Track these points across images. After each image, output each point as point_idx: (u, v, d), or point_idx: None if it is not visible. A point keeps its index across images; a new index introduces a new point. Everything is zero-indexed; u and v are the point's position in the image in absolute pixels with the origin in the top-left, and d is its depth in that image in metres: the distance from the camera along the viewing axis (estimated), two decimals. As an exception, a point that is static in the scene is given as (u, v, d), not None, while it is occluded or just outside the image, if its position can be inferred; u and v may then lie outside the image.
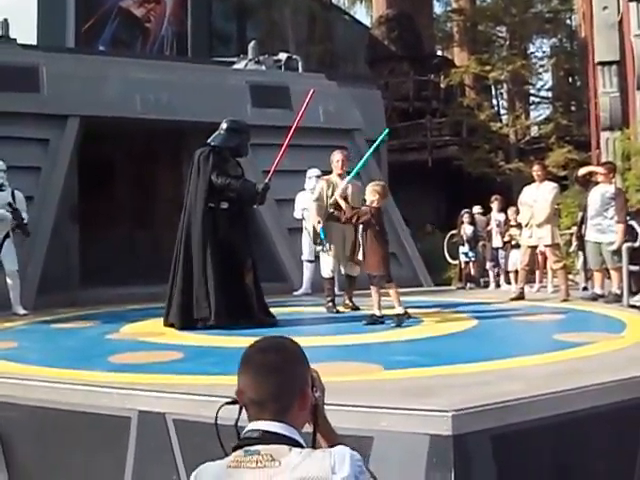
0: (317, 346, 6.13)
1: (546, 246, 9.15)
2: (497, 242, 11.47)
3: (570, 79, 26.24)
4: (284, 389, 1.89)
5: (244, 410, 1.93)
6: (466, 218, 11.88)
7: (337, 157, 8.57)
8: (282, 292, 10.72)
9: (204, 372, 4.59)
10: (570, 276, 10.55)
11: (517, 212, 10.23)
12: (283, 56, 15.18)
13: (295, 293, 11.01)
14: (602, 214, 8.83)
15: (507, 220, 11.25)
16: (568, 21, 26.04)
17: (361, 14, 31.94)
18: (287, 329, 6.92)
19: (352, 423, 3.52)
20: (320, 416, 2.04)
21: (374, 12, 29.63)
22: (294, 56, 15.58)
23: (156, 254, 12.97)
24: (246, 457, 1.81)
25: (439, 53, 29.04)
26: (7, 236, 8.94)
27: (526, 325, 7.25)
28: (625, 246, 8.54)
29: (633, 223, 9.20)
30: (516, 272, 10.16)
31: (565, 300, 8.80)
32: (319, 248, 8.55)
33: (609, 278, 9.00)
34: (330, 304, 8.29)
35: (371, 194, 7.10)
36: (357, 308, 8.31)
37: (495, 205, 11.60)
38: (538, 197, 9.16)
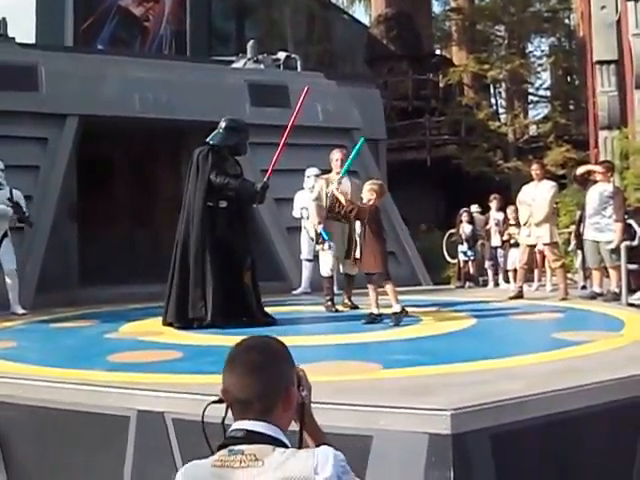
0: (316, 345, 6.14)
1: (545, 245, 9.16)
2: (496, 241, 11.47)
3: (568, 78, 26.24)
4: (268, 389, 1.90)
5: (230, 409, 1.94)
6: (465, 217, 11.89)
7: (336, 156, 8.57)
8: (281, 291, 10.73)
9: (203, 371, 4.58)
10: (569, 275, 10.56)
11: (516, 211, 10.24)
12: (282, 55, 15.17)
13: (294, 292, 11.02)
14: (600, 213, 8.84)
15: (506, 219, 11.26)
16: (566, 20, 26.04)
17: (360, 13, 31.96)
18: (286, 328, 6.92)
19: (351, 422, 3.52)
20: (307, 415, 2.04)
21: (373, 11, 29.62)
22: (293, 55, 15.57)
23: (155, 253, 12.97)
24: (230, 457, 1.82)
25: (438, 52, 29.03)
26: (5, 235, 8.93)
27: (525, 324, 7.26)
28: (623, 245, 8.55)
29: (631, 222, 9.21)
30: (515, 271, 10.17)
31: (564, 299, 8.81)
32: (320, 247, 8.56)
33: (608, 277, 9.01)
34: (329, 303, 8.29)
35: (368, 192, 7.11)
36: (356, 307, 8.31)
37: (494, 204, 11.60)
38: (537, 196, 9.16)
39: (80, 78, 11.79)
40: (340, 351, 5.76)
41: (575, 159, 18.36)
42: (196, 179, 7.22)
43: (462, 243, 11.90)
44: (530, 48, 25.46)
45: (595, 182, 9.03)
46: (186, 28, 20.72)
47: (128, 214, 15.04)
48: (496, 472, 3.39)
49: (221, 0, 22.76)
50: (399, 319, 6.80)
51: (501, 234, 11.35)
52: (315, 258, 9.90)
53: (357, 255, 7.30)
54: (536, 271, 10.79)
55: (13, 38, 13.31)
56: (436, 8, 29.97)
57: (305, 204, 10.33)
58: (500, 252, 11.45)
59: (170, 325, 7.09)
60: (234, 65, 14.97)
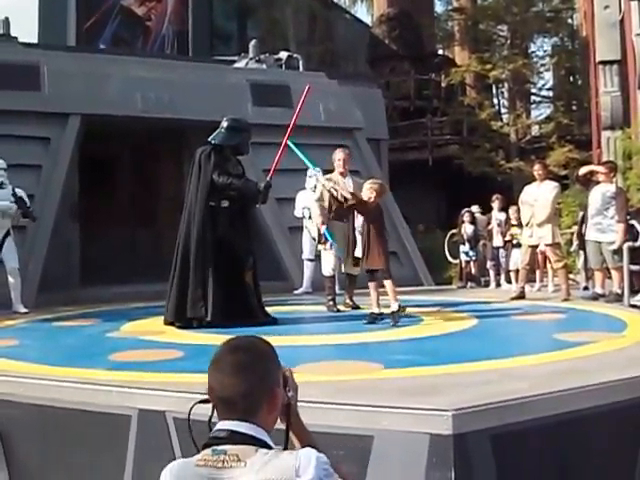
0: (317, 345, 6.15)
1: (547, 245, 9.15)
2: (498, 241, 11.46)
3: (571, 78, 26.19)
4: (253, 389, 1.89)
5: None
6: (467, 217, 11.88)
7: (339, 156, 8.57)
8: (282, 291, 10.73)
9: (204, 370, 4.52)
10: (571, 275, 10.55)
11: (518, 211, 10.22)
12: (284, 55, 15.17)
13: (295, 292, 11.01)
14: (603, 213, 8.82)
15: (508, 219, 11.24)
16: (569, 20, 25.97)
17: (362, 13, 31.87)
18: (287, 328, 6.93)
19: (352, 422, 3.52)
20: (293, 415, 2.04)
21: (375, 11, 29.61)
22: (295, 55, 15.58)
23: (157, 252, 12.98)
24: (213, 456, 1.83)
25: (440, 52, 28.98)
26: (8, 234, 8.95)
27: (527, 324, 7.25)
28: (626, 245, 8.53)
29: (634, 222, 9.19)
30: (517, 271, 10.16)
31: (566, 299, 8.80)
32: (322, 247, 8.56)
33: (610, 277, 9.00)
34: (331, 303, 8.29)
35: (368, 191, 7.12)
36: (358, 307, 8.31)
37: (496, 204, 11.58)
38: (539, 196, 9.15)
39: (82, 77, 11.80)
40: (341, 351, 5.76)
41: (578, 159, 18.32)
42: (198, 179, 7.21)
43: (464, 243, 11.89)
44: (533, 48, 25.43)
45: (597, 182, 9.01)
46: (188, 28, 20.71)
47: (130, 213, 15.05)
48: (497, 473, 3.39)
49: (223, 0, 22.76)
50: (397, 317, 6.80)
51: (503, 234, 11.34)
52: (317, 258, 9.90)
53: (358, 254, 7.29)
54: (538, 272, 10.78)
55: (16, 37, 13.34)
56: (438, 8, 29.96)
57: (307, 204, 10.32)
58: (502, 252, 11.44)
59: (171, 324, 7.09)
60: (236, 65, 14.98)
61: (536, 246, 9.32)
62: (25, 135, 10.97)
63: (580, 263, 10.75)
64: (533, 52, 25.10)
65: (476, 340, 6.08)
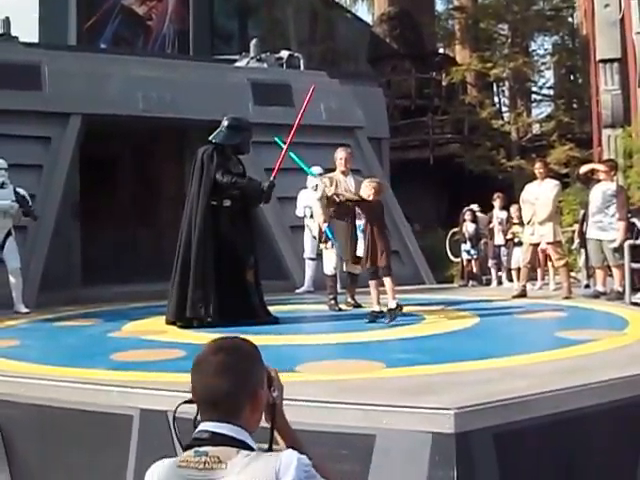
0: (319, 344, 6.15)
1: (548, 243, 9.15)
2: (499, 240, 11.46)
3: (572, 77, 26.15)
4: (235, 390, 1.89)
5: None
6: (468, 216, 11.88)
7: (340, 155, 8.57)
8: (284, 290, 10.73)
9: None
10: (572, 274, 10.54)
11: (519, 210, 10.22)
12: (285, 54, 15.17)
13: (297, 291, 11.02)
14: (603, 211, 8.82)
15: (509, 218, 11.25)
16: (570, 19, 25.94)
17: (363, 12, 31.84)
18: (289, 327, 6.93)
19: (354, 421, 3.52)
20: (278, 415, 2.04)
21: (376, 10, 29.57)
22: (296, 54, 15.57)
23: (158, 252, 13.00)
24: (195, 458, 1.83)
25: (441, 51, 28.97)
26: (9, 234, 8.95)
27: (528, 323, 7.25)
28: (627, 243, 8.53)
29: (635, 220, 9.19)
30: (518, 270, 10.16)
31: (567, 297, 8.80)
32: (324, 246, 8.56)
33: (611, 275, 9.00)
34: (332, 302, 8.29)
35: (366, 189, 7.12)
36: (359, 306, 8.31)
37: (497, 203, 11.58)
38: (540, 195, 9.15)
39: (83, 77, 11.79)
40: (343, 350, 5.76)
41: (578, 158, 18.29)
42: (200, 178, 7.19)
43: (465, 242, 11.90)
44: (533, 46, 25.41)
45: (598, 181, 9.01)
46: (189, 27, 20.71)
47: (131, 213, 15.06)
48: (499, 471, 3.39)
49: (224, -1, 22.77)
50: (393, 315, 6.80)
51: (504, 233, 11.34)
52: (318, 257, 9.90)
53: (360, 253, 7.28)
54: (539, 270, 10.77)
55: (16, 37, 13.34)
56: (439, 6, 29.91)
57: (308, 203, 10.33)
58: (503, 251, 11.44)
59: (173, 324, 7.09)
60: (237, 64, 14.97)
61: (537, 244, 9.32)
62: (26, 135, 10.97)
63: (581, 261, 10.75)
64: (534, 50, 25.11)
65: (478, 339, 6.08)
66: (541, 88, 26.21)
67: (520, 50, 22.20)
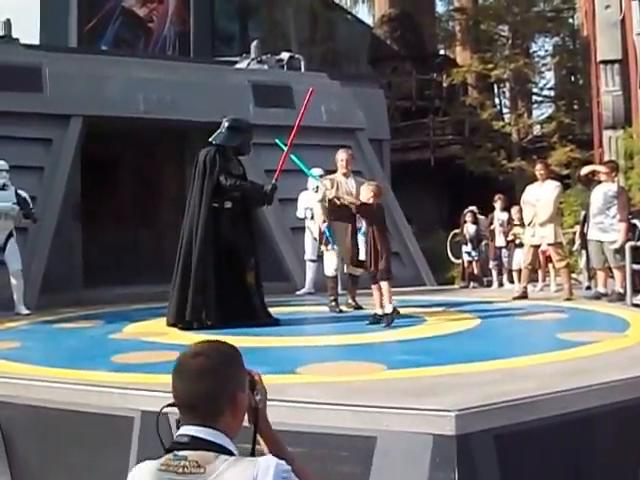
0: (320, 346, 6.15)
1: (549, 245, 9.15)
2: (500, 241, 11.45)
3: (572, 78, 26.17)
4: (214, 394, 1.89)
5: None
6: (469, 217, 11.88)
7: (341, 157, 8.56)
8: (285, 291, 10.73)
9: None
10: (573, 275, 10.54)
11: (520, 211, 10.22)
12: (285, 56, 15.18)
13: (298, 292, 11.02)
14: (604, 213, 8.81)
15: (510, 219, 11.24)
16: (570, 20, 25.96)
17: (363, 13, 31.85)
18: (289, 329, 6.93)
19: (355, 423, 3.52)
20: (261, 419, 2.04)
21: (376, 11, 29.59)
22: (296, 55, 15.58)
23: (159, 253, 13.00)
24: (174, 461, 1.83)
25: (441, 52, 28.98)
26: (10, 235, 8.96)
27: (529, 324, 7.24)
28: (628, 245, 8.52)
29: (636, 222, 9.18)
30: (519, 271, 10.15)
31: (568, 299, 8.80)
32: (324, 247, 8.56)
33: (612, 277, 8.99)
34: (333, 303, 8.29)
35: (366, 192, 7.12)
36: (360, 307, 8.30)
37: (498, 204, 11.57)
38: (541, 196, 9.15)
39: (84, 79, 11.81)
40: (344, 352, 5.75)
41: (579, 159, 18.30)
42: (202, 180, 7.17)
43: (466, 243, 11.89)
44: (534, 48, 25.45)
45: (599, 182, 9.00)
46: (190, 29, 20.72)
47: (132, 214, 15.06)
48: (500, 473, 3.38)
49: (225, 1, 22.77)
50: (390, 319, 6.80)
51: (505, 234, 11.34)
52: (319, 258, 9.90)
53: (362, 257, 7.26)
54: (540, 271, 10.77)
55: (17, 39, 13.35)
56: (440, 8, 29.95)
57: (309, 204, 10.33)
58: (504, 252, 11.43)
59: (173, 326, 7.08)
60: (238, 65, 14.99)
61: (538, 246, 9.31)
62: (27, 137, 10.98)
63: (582, 263, 10.73)
64: (534, 52, 25.14)
65: (479, 340, 6.08)
66: (542, 89, 26.27)
67: (521, 51, 22.22)
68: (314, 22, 24.96)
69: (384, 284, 6.94)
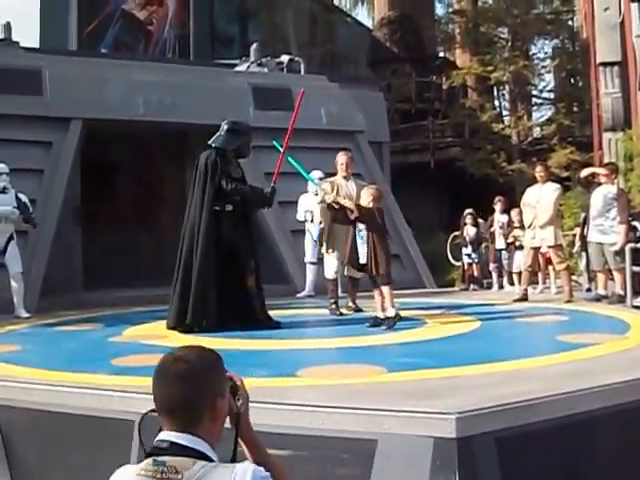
0: (320, 348, 6.14)
1: (549, 247, 9.15)
2: (500, 243, 11.45)
3: (572, 80, 26.18)
4: (193, 399, 1.88)
5: None
6: (469, 219, 11.87)
7: (341, 159, 8.55)
8: (285, 294, 10.72)
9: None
10: (573, 277, 10.53)
11: (520, 213, 10.22)
12: (285, 58, 15.18)
13: (298, 295, 11.01)
14: (604, 215, 8.81)
15: (510, 221, 11.24)
16: (570, 22, 25.98)
17: (363, 16, 31.90)
18: (290, 331, 6.92)
19: (355, 426, 3.51)
20: (243, 425, 2.03)
21: (376, 14, 29.64)
22: (296, 58, 15.58)
23: (159, 256, 12.98)
24: (153, 467, 1.83)
25: (441, 54, 29.02)
26: (11, 238, 8.95)
27: (530, 326, 7.24)
28: (628, 247, 8.52)
29: (636, 224, 9.18)
30: (519, 273, 10.15)
31: (568, 301, 8.80)
32: (324, 250, 8.56)
33: (612, 279, 8.98)
34: (333, 306, 8.28)
35: (366, 196, 7.12)
36: (360, 310, 8.30)
37: (498, 206, 11.57)
38: (541, 198, 9.15)
39: (84, 82, 11.80)
40: (344, 354, 5.75)
41: (579, 161, 18.32)
42: (204, 183, 7.15)
43: (466, 246, 11.88)
44: (533, 50, 25.43)
45: (599, 184, 9.00)
46: (189, 31, 20.74)
47: (132, 217, 15.05)
48: (501, 475, 3.37)
49: (224, 3, 22.79)
50: (392, 323, 6.79)
51: (505, 237, 11.33)
52: (319, 261, 9.89)
53: (363, 261, 7.26)
54: (540, 274, 10.76)
55: (17, 42, 13.36)
56: (439, 10, 30.00)
57: (309, 207, 10.33)
58: (504, 254, 11.43)
59: (173, 329, 7.07)
60: (237, 68, 14.99)
61: (538, 248, 9.31)
62: (27, 140, 10.97)
63: (582, 265, 10.72)
64: (534, 54, 25.13)
65: (479, 342, 6.08)
66: (541, 91, 26.28)
67: (520, 53, 22.23)
68: (314, 24, 24.99)
69: (385, 288, 6.94)
